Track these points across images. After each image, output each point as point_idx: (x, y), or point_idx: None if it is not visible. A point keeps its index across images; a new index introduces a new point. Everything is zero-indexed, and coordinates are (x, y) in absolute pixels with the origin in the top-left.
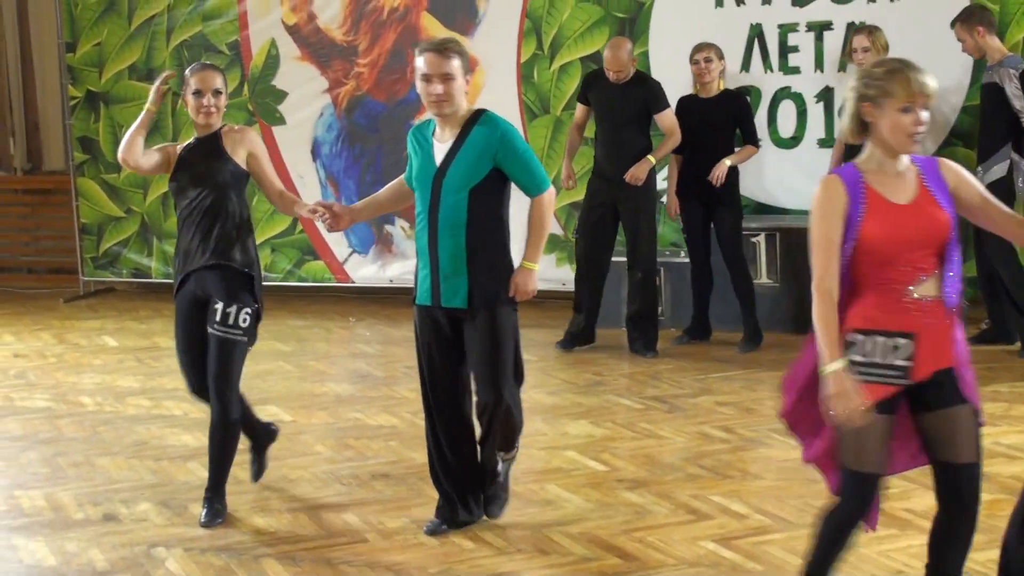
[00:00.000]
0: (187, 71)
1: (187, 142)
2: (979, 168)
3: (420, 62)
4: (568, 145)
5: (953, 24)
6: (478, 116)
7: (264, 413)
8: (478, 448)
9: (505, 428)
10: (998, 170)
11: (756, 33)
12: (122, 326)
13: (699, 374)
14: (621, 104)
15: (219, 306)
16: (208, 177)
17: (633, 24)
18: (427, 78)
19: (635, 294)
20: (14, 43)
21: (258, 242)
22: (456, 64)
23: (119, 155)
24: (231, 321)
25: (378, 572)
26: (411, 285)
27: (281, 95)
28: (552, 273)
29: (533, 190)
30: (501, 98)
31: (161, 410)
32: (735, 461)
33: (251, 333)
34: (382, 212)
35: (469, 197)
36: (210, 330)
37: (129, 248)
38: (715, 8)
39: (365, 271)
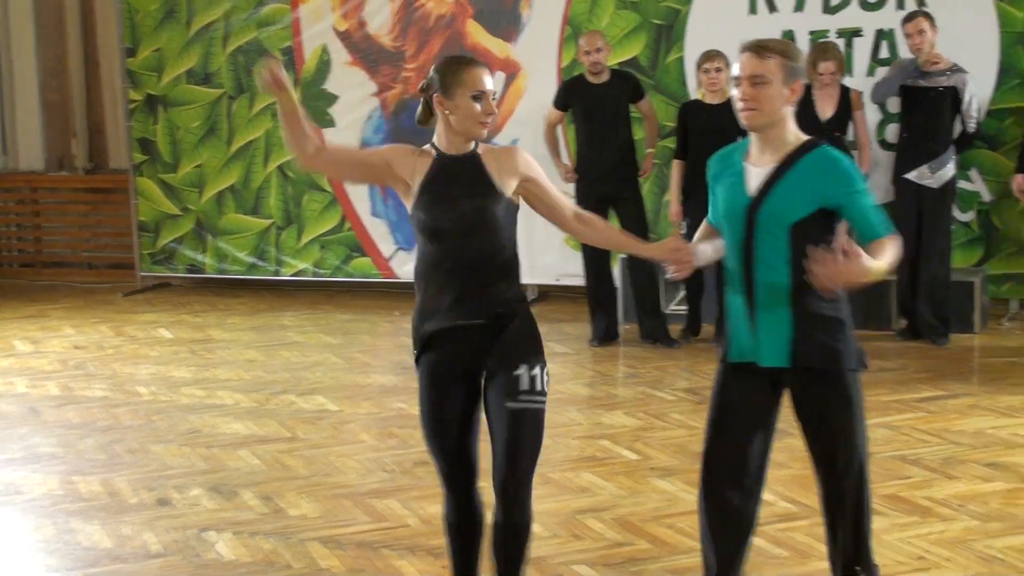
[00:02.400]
0: (440, 68)
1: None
2: (927, 168)
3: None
4: (551, 145)
5: (911, 18)
6: (814, 146)
7: (311, 403)
8: None
9: None
10: (949, 170)
11: (789, 39)
12: (177, 319)
13: None
14: (606, 102)
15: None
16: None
17: (670, 31)
18: (736, 81)
19: (641, 291)
20: (77, 48)
21: (306, 239)
22: (773, 65)
23: (300, 162)
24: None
25: (419, 556)
26: None
27: (332, 98)
28: (573, 267)
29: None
30: (542, 103)
31: (213, 400)
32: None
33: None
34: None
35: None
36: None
37: (184, 244)
38: (748, 15)
39: (410, 267)
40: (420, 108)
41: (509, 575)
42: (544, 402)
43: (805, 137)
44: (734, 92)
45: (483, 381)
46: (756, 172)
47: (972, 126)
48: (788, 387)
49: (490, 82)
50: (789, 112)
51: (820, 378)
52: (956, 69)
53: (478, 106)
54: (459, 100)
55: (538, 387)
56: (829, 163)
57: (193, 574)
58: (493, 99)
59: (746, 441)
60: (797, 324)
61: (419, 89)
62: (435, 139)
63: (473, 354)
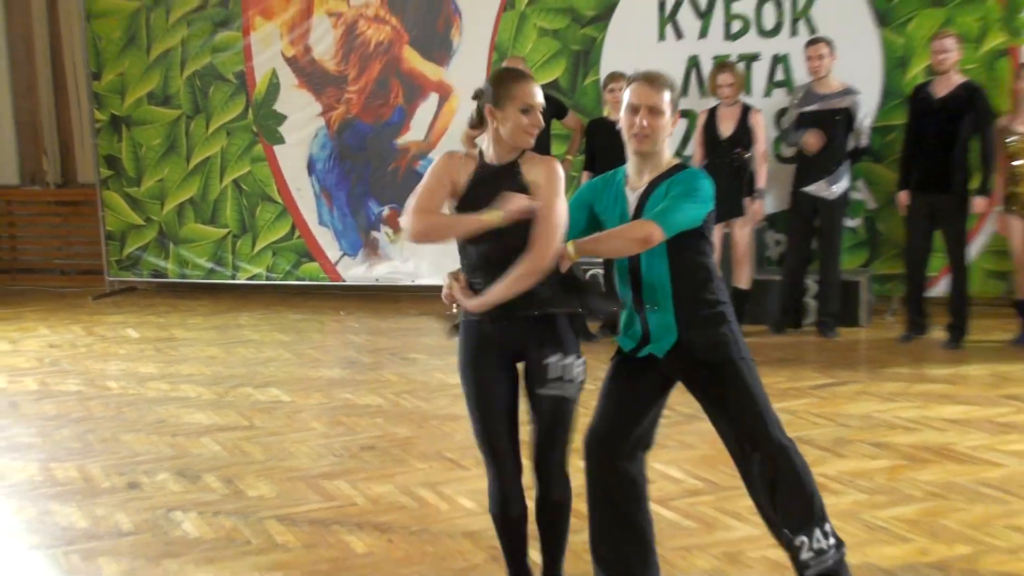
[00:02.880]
0: (494, 80)
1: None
2: (825, 182)
3: (628, 92)
4: None
5: (814, 43)
6: (680, 169)
7: (267, 395)
8: None
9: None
10: (843, 183)
11: (693, 64)
12: (143, 320)
13: None
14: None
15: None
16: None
17: (587, 56)
18: (633, 109)
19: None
20: (46, 72)
21: (260, 246)
22: (667, 99)
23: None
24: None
25: (366, 531)
26: (399, 284)
27: (281, 118)
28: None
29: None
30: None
31: (178, 393)
32: (674, 433)
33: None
34: None
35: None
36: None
37: (148, 252)
38: (658, 41)
39: (354, 271)
40: (473, 114)
41: (554, 549)
42: (573, 388)
43: (676, 160)
44: (625, 118)
45: (524, 369)
46: (633, 196)
47: (864, 142)
48: (682, 380)
49: (540, 96)
50: (669, 140)
51: (709, 369)
52: (849, 91)
53: (526, 119)
54: (509, 112)
55: (568, 376)
56: (684, 176)
57: (162, 551)
58: (541, 112)
59: (629, 421)
60: (681, 324)
61: (472, 97)
62: (483, 144)
63: (514, 345)
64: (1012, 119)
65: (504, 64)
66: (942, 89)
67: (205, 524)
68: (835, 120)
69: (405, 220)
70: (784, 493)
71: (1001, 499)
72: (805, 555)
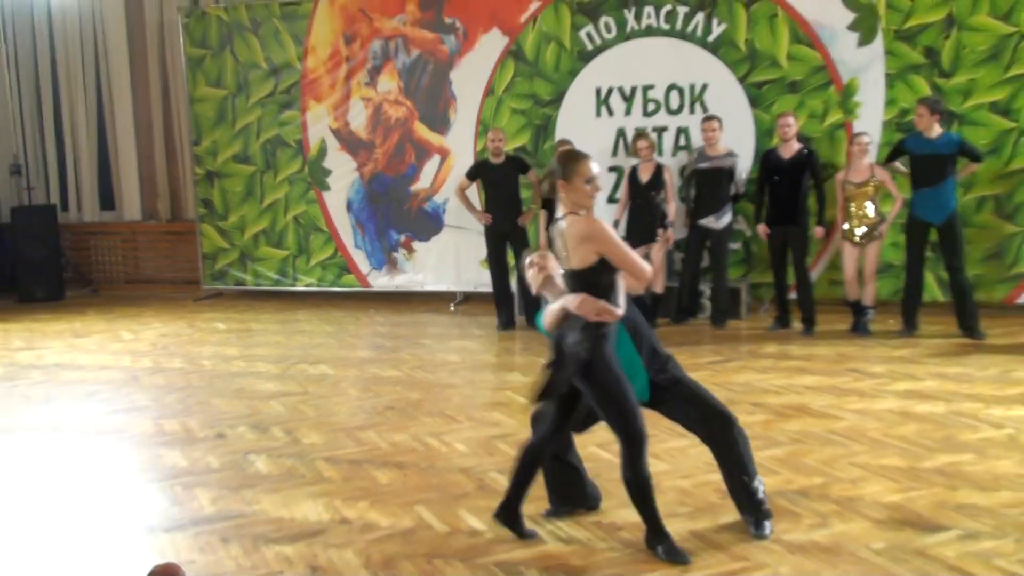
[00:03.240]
0: (561, 160)
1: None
2: (713, 217)
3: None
4: (465, 203)
5: (709, 119)
6: None
7: (317, 369)
8: None
9: None
10: (727, 218)
11: (621, 134)
12: (228, 316)
13: None
14: (506, 177)
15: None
16: None
17: (545, 128)
18: (591, 180)
19: (528, 293)
20: (160, 140)
21: (313, 263)
22: None
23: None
24: None
25: (388, 468)
26: (412, 290)
27: (328, 172)
28: (485, 279)
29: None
30: (463, 175)
31: (253, 368)
32: None
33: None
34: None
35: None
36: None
37: (233, 267)
38: (595, 118)
39: (380, 281)
40: (546, 186)
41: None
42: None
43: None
44: (590, 188)
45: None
46: None
47: (742, 190)
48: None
49: (597, 168)
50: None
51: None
52: (731, 154)
53: (588, 187)
54: (576, 183)
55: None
56: None
57: (241, 482)
58: (600, 179)
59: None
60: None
61: (546, 175)
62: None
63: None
64: (847, 173)
65: (489, 134)
66: (787, 153)
67: (272, 463)
68: (721, 174)
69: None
70: (741, 449)
71: (844, 443)
72: (761, 495)
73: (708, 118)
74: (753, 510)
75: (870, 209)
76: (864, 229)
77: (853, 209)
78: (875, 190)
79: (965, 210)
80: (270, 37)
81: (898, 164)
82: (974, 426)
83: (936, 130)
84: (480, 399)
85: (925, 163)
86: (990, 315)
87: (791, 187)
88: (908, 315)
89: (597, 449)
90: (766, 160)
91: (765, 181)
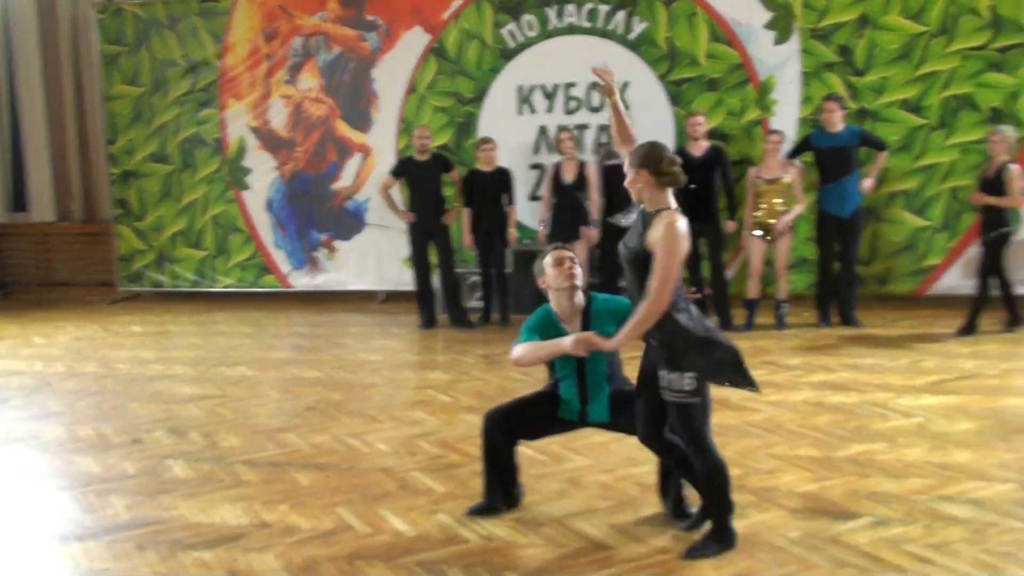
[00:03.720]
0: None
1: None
2: (621, 214)
3: (554, 254)
4: (388, 201)
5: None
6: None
7: (236, 371)
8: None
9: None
10: (635, 215)
11: (543, 131)
12: (144, 319)
13: (510, 342)
14: (430, 175)
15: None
16: None
17: (468, 126)
18: (560, 261)
19: (450, 292)
20: (75, 139)
21: (232, 264)
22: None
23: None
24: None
25: (309, 469)
26: (332, 290)
27: (247, 171)
28: (407, 278)
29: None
30: (385, 173)
31: (170, 371)
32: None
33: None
34: None
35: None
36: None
37: (149, 269)
38: (516, 115)
39: (301, 280)
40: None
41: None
42: (683, 396)
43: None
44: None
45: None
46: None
47: None
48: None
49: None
50: None
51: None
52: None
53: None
54: (549, 273)
55: (675, 387)
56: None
57: (157, 488)
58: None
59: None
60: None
61: (640, 164)
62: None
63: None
64: (760, 169)
65: (415, 131)
66: (697, 151)
67: (190, 468)
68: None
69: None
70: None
71: (761, 435)
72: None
73: None
74: (680, 506)
75: (780, 206)
76: (773, 224)
77: (764, 205)
78: (787, 187)
79: (877, 205)
80: (188, 34)
81: (797, 162)
82: (885, 415)
83: (840, 125)
84: (402, 398)
85: (830, 157)
86: (902, 306)
87: (703, 185)
88: (823, 308)
89: (520, 446)
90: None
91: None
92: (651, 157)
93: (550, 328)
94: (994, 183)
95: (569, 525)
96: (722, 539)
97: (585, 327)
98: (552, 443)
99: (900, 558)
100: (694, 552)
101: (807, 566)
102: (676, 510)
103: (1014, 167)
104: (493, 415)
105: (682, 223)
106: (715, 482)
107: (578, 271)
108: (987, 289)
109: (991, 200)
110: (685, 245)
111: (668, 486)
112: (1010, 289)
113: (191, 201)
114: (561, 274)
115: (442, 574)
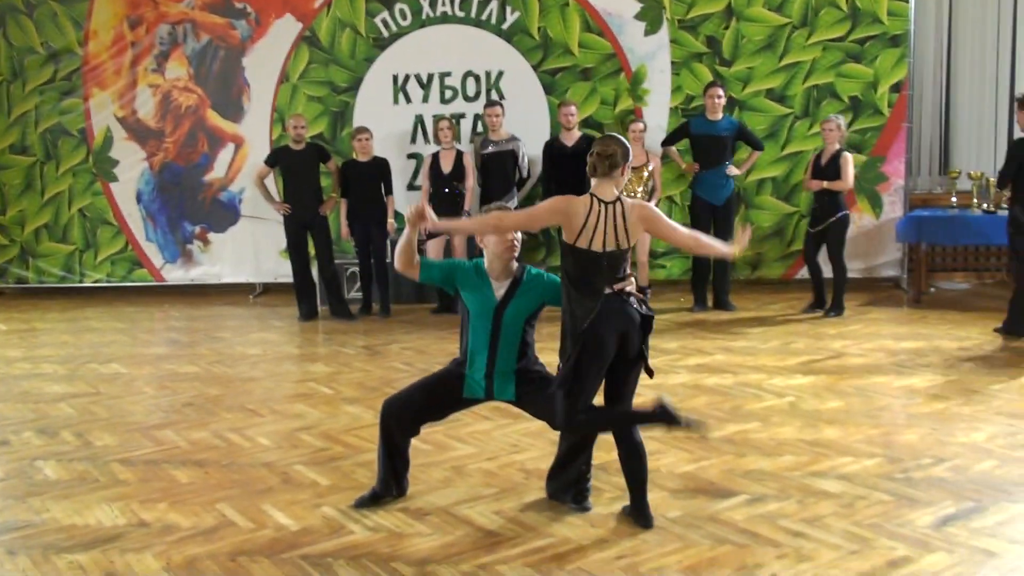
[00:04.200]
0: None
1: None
2: (504, 200)
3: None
4: (263, 191)
5: (491, 105)
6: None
7: (109, 368)
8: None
9: None
10: (512, 204)
11: (419, 120)
12: (9, 316)
13: (391, 332)
14: (306, 165)
15: None
16: None
17: (343, 115)
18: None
19: (330, 283)
20: None
21: (101, 258)
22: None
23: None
24: None
25: (188, 466)
26: (209, 283)
27: (115, 162)
28: (285, 270)
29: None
30: (259, 163)
31: (38, 370)
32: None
33: None
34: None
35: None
36: None
37: (13, 264)
38: (393, 104)
39: (175, 274)
40: (602, 166)
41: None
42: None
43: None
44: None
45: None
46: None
47: (525, 174)
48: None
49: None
50: None
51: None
52: (513, 138)
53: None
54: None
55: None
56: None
57: (28, 491)
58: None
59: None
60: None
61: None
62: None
63: None
64: None
65: (290, 120)
66: (570, 140)
67: (62, 469)
68: (505, 159)
69: None
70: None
71: None
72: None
73: (490, 103)
74: (579, 491)
75: (642, 195)
76: None
77: (627, 191)
78: (648, 176)
79: (747, 192)
80: (47, 20)
81: (674, 150)
82: (759, 396)
83: (719, 114)
84: (282, 392)
85: (707, 145)
86: (772, 290)
87: (576, 174)
88: (698, 292)
89: None
90: (549, 149)
91: (550, 169)
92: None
93: (479, 278)
94: (828, 170)
95: (455, 513)
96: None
97: (512, 292)
98: (435, 432)
99: (775, 533)
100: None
101: (688, 544)
102: (576, 498)
103: (847, 154)
104: (390, 403)
105: (565, 200)
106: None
107: (519, 242)
108: (844, 266)
109: (827, 185)
110: (545, 215)
111: (565, 470)
112: (843, 275)
113: (56, 194)
114: (503, 243)
115: (328, 568)
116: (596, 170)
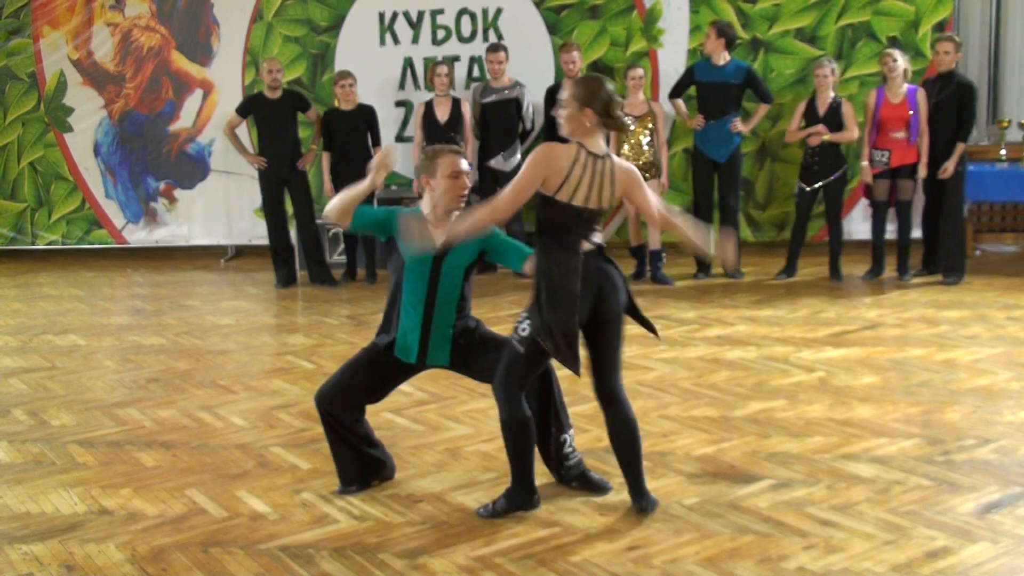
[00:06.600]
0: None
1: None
2: (502, 157)
3: (455, 161)
4: (235, 143)
5: (494, 49)
6: None
7: (66, 340)
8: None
9: None
10: (516, 158)
11: (408, 64)
12: None
13: (378, 301)
14: (282, 115)
15: None
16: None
17: (323, 58)
18: (458, 175)
19: (310, 246)
20: None
21: (55, 217)
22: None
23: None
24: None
25: (155, 448)
26: (176, 245)
27: (69, 110)
28: (260, 231)
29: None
30: (231, 112)
31: None
32: None
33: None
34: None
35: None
36: None
37: None
38: (379, 46)
39: (137, 235)
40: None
41: None
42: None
43: None
44: (448, 183)
45: None
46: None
47: (529, 125)
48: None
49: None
50: None
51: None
52: (517, 84)
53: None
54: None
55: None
56: None
57: None
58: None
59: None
60: None
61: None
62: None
63: None
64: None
65: (264, 64)
66: None
67: (15, 451)
68: (508, 107)
69: None
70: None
71: (655, 395)
72: (568, 448)
73: (493, 48)
74: (579, 474)
75: (644, 143)
76: (639, 163)
77: (632, 141)
78: (652, 124)
79: (772, 144)
80: None
81: (681, 104)
82: (785, 370)
83: (724, 57)
84: (258, 366)
85: (711, 91)
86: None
87: None
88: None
89: (392, 416)
90: (552, 96)
91: (554, 119)
92: (600, 97)
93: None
94: (827, 120)
95: (449, 500)
96: (512, 497)
97: (451, 243)
98: (428, 411)
99: (802, 521)
100: (485, 510)
101: (706, 534)
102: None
103: (847, 101)
104: (322, 392)
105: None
106: (507, 434)
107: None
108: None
109: (830, 137)
110: (532, 176)
111: (546, 447)
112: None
113: (3, 145)
114: (454, 190)
115: (309, 559)
116: None
